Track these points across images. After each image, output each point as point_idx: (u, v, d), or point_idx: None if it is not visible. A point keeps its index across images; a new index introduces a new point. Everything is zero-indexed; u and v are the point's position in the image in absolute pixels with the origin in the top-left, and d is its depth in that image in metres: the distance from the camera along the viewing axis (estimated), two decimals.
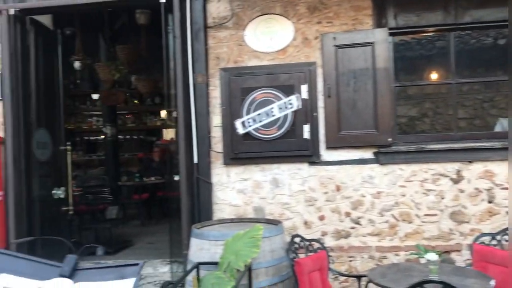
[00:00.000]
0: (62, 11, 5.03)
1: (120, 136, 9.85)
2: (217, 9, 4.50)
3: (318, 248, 3.84)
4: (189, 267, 3.73)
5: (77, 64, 7.61)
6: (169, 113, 11.75)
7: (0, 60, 4.69)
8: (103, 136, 10.64)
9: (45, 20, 5.22)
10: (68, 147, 5.36)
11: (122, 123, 10.75)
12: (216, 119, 4.51)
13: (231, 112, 4.43)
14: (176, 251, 4.59)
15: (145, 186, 8.51)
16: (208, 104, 4.51)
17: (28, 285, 1.99)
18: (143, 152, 11.13)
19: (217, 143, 4.52)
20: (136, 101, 11.10)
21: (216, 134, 4.52)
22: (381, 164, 4.31)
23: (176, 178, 9.15)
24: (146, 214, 8.50)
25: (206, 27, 4.48)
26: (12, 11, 4.53)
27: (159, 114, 11.86)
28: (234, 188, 4.50)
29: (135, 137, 11.76)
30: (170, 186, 8.62)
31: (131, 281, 1.86)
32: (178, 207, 4.86)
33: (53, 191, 5.11)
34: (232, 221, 4.17)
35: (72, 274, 2.03)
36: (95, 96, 11.20)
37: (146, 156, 10.26)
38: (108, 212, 7.20)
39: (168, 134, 12.63)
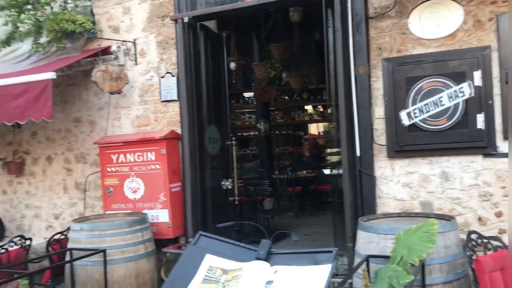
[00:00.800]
0: (227, 15, 5.39)
1: (273, 132, 10.23)
2: None
3: (498, 246, 3.55)
4: (356, 259, 3.74)
5: (232, 65, 8.10)
6: (314, 107, 11.95)
7: (177, 64, 5.23)
8: (254, 132, 11.22)
9: (211, 24, 5.65)
10: (233, 142, 5.75)
11: (272, 118, 11.14)
12: (378, 111, 4.43)
13: (394, 103, 4.31)
14: (339, 243, 4.63)
15: (298, 179, 8.73)
16: (370, 95, 4.44)
17: (230, 265, 2.19)
18: (292, 146, 11.43)
19: (380, 136, 4.43)
20: (286, 97, 11.42)
21: (379, 126, 4.44)
22: None
23: (326, 172, 9.24)
24: (299, 207, 8.72)
25: (367, 18, 4.42)
26: (186, 19, 5.00)
27: (305, 109, 12.08)
28: (398, 182, 4.38)
29: (283, 132, 12.11)
30: (321, 179, 8.78)
31: (327, 267, 1.94)
32: (336, 200, 4.90)
33: (222, 182, 5.53)
34: (399, 215, 4.05)
35: (267, 258, 2.18)
36: (247, 94, 11.84)
37: (296, 150, 10.51)
38: (265, 203, 7.55)
39: (316, 128, 12.79)
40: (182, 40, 5.05)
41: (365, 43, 4.42)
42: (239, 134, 12.14)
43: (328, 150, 10.90)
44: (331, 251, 2.02)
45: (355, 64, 4.43)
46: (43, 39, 5.55)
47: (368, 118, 4.45)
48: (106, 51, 5.47)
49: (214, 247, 2.29)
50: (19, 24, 5.35)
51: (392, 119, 4.32)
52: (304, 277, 1.96)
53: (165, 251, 4.90)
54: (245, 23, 7.74)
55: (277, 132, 11.66)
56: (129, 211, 5.11)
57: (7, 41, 5.50)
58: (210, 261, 2.21)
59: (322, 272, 1.93)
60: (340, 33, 4.35)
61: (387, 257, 3.28)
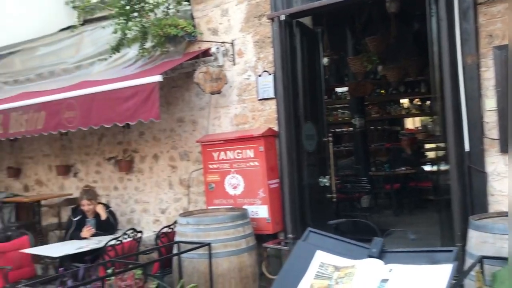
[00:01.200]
0: (323, 11, 5.34)
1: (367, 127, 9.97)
2: None
3: None
4: (467, 260, 3.54)
5: (325, 60, 8.03)
6: (411, 101, 11.43)
7: (273, 62, 5.29)
8: (348, 128, 11.02)
9: (306, 20, 5.63)
10: (330, 139, 5.70)
11: (366, 113, 10.87)
12: (489, 103, 4.14)
13: (508, 94, 3.99)
14: (446, 242, 4.40)
15: (396, 176, 8.44)
16: (480, 86, 4.17)
17: (342, 262, 2.18)
18: (388, 142, 11.06)
19: (491, 129, 4.14)
20: (382, 91, 11.08)
21: (490, 119, 4.15)
22: None
23: (427, 168, 8.82)
24: (398, 204, 8.43)
25: (475, 4, 4.15)
26: (282, 17, 5.04)
27: (401, 102, 11.64)
28: None
29: (379, 127, 11.75)
30: (421, 176, 8.41)
31: (447, 267, 1.85)
32: (440, 198, 4.65)
33: (319, 179, 5.51)
34: None
35: (380, 256, 2.13)
36: (339, 89, 11.66)
37: (394, 146, 10.16)
38: (363, 200, 7.40)
39: (412, 122, 12.27)
40: (278, 38, 5.10)
41: (473, 31, 4.16)
42: (332, 130, 11.98)
43: (428, 146, 10.45)
44: (451, 251, 1.93)
45: (462, 54, 4.18)
46: (148, 44, 5.86)
47: (477, 111, 4.18)
48: (206, 53, 5.68)
49: (324, 243, 2.29)
50: (127, 31, 5.70)
51: (505, 111, 4.01)
52: (421, 276, 1.89)
53: (266, 246, 4.98)
54: (338, 17, 7.64)
55: (371, 127, 11.34)
56: (230, 207, 5.25)
57: (117, 48, 5.88)
58: (321, 257, 2.21)
59: (441, 272, 1.85)
60: (445, 22, 4.14)
61: (504, 258, 3.07)
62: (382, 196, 9.11)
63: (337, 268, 2.13)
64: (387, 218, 7.92)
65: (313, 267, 2.18)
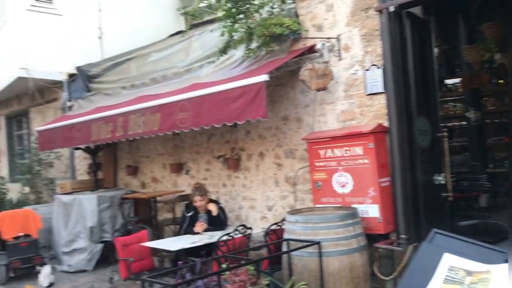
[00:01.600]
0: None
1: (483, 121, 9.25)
2: None
3: None
4: None
5: (435, 51, 7.57)
6: None
7: (382, 55, 5.10)
8: (460, 121, 10.29)
9: (416, 10, 5.35)
10: (445, 134, 5.36)
11: (482, 106, 10.06)
12: None
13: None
14: None
15: None
16: None
17: (474, 266, 2.02)
18: (508, 136, 10.14)
19: None
20: (500, 81, 10.19)
21: None
22: None
23: None
24: None
25: None
26: (391, 8, 4.84)
27: None
28: None
29: (496, 120, 10.82)
30: None
31: None
32: None
33: (434, 177, 5.21)
34: None
35: None
36: (449, 81, 10.94)
37: None
38: (481, 199, 6.87)
39: None
40: (387, 31, 4.91)
41: None
42: (443, 124, 11.28)
43: None
44: None
45: None
46: (253, 45, 5.96)
47: None
48: (311, 49, 5.64)
49: (451, 245, 2.14)
50: (233, 33, 5.84)
51: None
52: None
53: (378, 246, 4.82)
54: (450, 5, 7.17)
55: (487, 120, 10.47)
56: (338, 205, 5.16)
57: (224, 50, 6.05)
58: (450, 260, 2.07)
59: None
60: None
61: None
62: (502, 195, 8.38)
63: (469, 273, 1.98)
64: (508, 218, 7.27)
65: (441, 271, 2.04)
